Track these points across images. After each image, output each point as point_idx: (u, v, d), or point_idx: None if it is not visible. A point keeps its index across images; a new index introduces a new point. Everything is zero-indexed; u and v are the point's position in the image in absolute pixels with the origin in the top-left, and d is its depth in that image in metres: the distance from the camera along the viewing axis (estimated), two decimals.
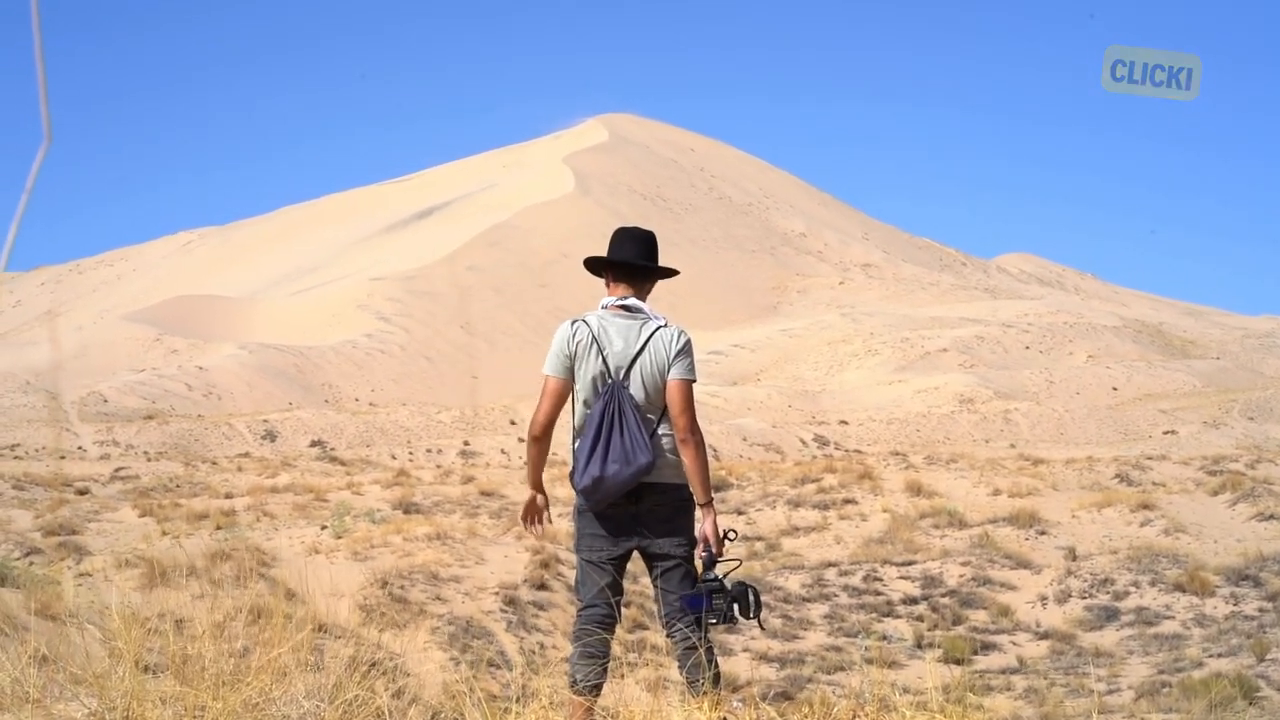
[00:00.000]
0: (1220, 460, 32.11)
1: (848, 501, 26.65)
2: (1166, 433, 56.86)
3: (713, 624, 4.88)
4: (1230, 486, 26.12)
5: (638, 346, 5.01)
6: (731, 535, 5.12)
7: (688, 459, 4.95)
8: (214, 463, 41.57)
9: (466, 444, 54.45)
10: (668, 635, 4.97)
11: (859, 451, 51.01)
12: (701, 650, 4.82)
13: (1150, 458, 34.10)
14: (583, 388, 5.05)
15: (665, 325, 5.08)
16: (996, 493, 27.39)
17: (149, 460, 43.24)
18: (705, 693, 4.77)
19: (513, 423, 61.95)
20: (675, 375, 4.99)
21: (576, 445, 5.09)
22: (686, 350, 5.03)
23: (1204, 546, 22.10)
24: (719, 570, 5.00)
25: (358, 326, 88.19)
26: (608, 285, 5.27)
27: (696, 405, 5.06)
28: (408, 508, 26.30)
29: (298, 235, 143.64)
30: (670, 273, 5.33)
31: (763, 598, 5.14)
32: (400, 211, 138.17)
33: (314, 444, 55.20)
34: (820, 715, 5.18)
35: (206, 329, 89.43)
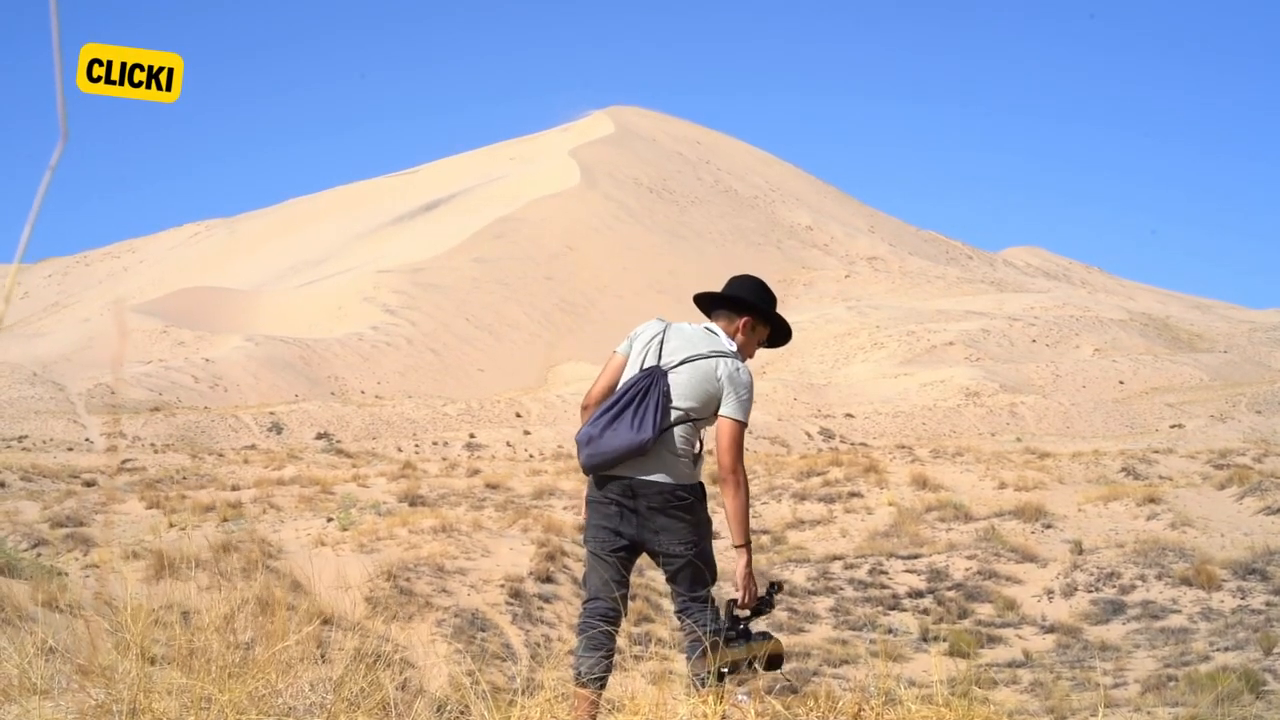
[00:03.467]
0: (1227, 454, 32.04)
1: (853, 495, 26.62)
2: (1173, 426, 56.76)
3: (723, 673, 4.78)
4: (1237, 480, 26.07)
5: (694, 351, 5.04)
6: (777, 589, 5.07)
7: (727, 499, 4.94)
8: (220, 455, 41.64)
9: (472, 436, 54.53)
10: (680, 629, 4.99)
11: (864, 445, 50.98)
12: (708, 644, 4.82)
13: (1157, 451, 34.01)
14: (631, 369, 5.09)
15: (734, 356, 5.08)
16: (1002, 486, 27.36)
17: (156, 452, 43.34)
18: (710, 686, 4.77)
19: (518, 415, 62.02)
20: (725, 412, 4.98)
21: None
22: (743, 388, 5.00)
23: (1210, 540, 22.06)
24: (757, 621, 4.98)
25: (364, 319, 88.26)
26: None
27: None
28: (413, 500, 26.34)
29: (304, 227, 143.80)
30: (777, 321, 5.28)
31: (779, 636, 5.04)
32: (406, 204, 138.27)
33: (320, 436, 55.28)
34: (826, 709, 5.18)
35: (213, 321, 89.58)
